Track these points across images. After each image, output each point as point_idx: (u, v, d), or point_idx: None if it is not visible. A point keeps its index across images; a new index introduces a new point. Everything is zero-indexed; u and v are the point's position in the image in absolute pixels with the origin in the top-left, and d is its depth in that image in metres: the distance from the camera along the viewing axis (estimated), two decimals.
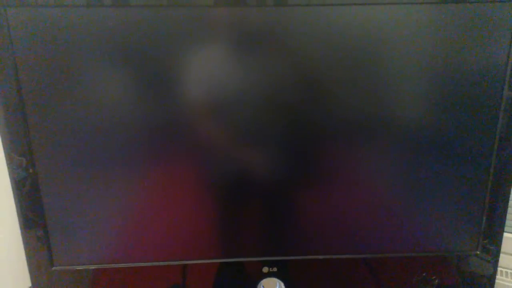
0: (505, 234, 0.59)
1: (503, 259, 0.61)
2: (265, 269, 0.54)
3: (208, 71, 0.45)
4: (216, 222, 0.51)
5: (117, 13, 0.43)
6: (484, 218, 0.52)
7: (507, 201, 0.52)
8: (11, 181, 0.48)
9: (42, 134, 0.47)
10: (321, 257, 0.53)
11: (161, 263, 0.52)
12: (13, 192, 0.48)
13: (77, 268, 0.52)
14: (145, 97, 0.46)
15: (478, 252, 0.54)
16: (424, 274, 0.54)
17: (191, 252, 0.52)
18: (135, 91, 0.46)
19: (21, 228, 0.50)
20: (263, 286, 0.55)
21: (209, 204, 0.51)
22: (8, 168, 0.48)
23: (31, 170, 0.48)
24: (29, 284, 0.53)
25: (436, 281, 0.55)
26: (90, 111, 0.46)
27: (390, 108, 0.48)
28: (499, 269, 0.62)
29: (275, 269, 0.54)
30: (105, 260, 0.52)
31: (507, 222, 0.58)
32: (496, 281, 0.59)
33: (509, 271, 0.62)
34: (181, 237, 0.52)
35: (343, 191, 0.51)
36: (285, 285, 0.55)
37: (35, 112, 0.46)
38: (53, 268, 0.52)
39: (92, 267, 0.52)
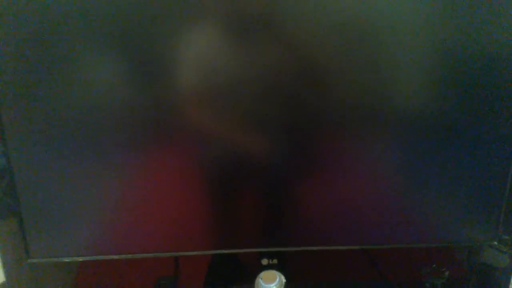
0: None
1: None
2: (265, 261, 0.52)
3: (204, 56, 0.45)
4: (211, 211, 0.50)
5: None
6: (504, 206, 0.51)
7: None
8: None
9: (16, 118, 0.44)
10: (326, 248, 0.52)
11: (151, 255, 0.51)
12: None
13: (57, 261, 0.50)
14: (137, 83, 0.45)
15: (496, 243, 0.53)
16: (434, 266, 0.54)
17: (183, 242, 0.51)
18: (125, 76, 0.45)
19: None
20: (261, 279, 0.53)
21: (204, 192, 0.49)
22: None
23: (4, 158, 0.45)
24: (3, 279, 0.50)
25: (447, 273, 0.54)
26: (70, 94, 0.44)
27: (398, 95, 0.47)
28: None
29: (275, 261, 0.52)
30: (88, 252, 0.50)
31: None
32: None
33: None
34: (173, 226, 0.50)
35: (349, 180, 0.49)
36: (286, 278, 0.53)
37: (9, 96, 0.43)
38: (29, 260, 0.49)
39: (75, 259, 0.50)
